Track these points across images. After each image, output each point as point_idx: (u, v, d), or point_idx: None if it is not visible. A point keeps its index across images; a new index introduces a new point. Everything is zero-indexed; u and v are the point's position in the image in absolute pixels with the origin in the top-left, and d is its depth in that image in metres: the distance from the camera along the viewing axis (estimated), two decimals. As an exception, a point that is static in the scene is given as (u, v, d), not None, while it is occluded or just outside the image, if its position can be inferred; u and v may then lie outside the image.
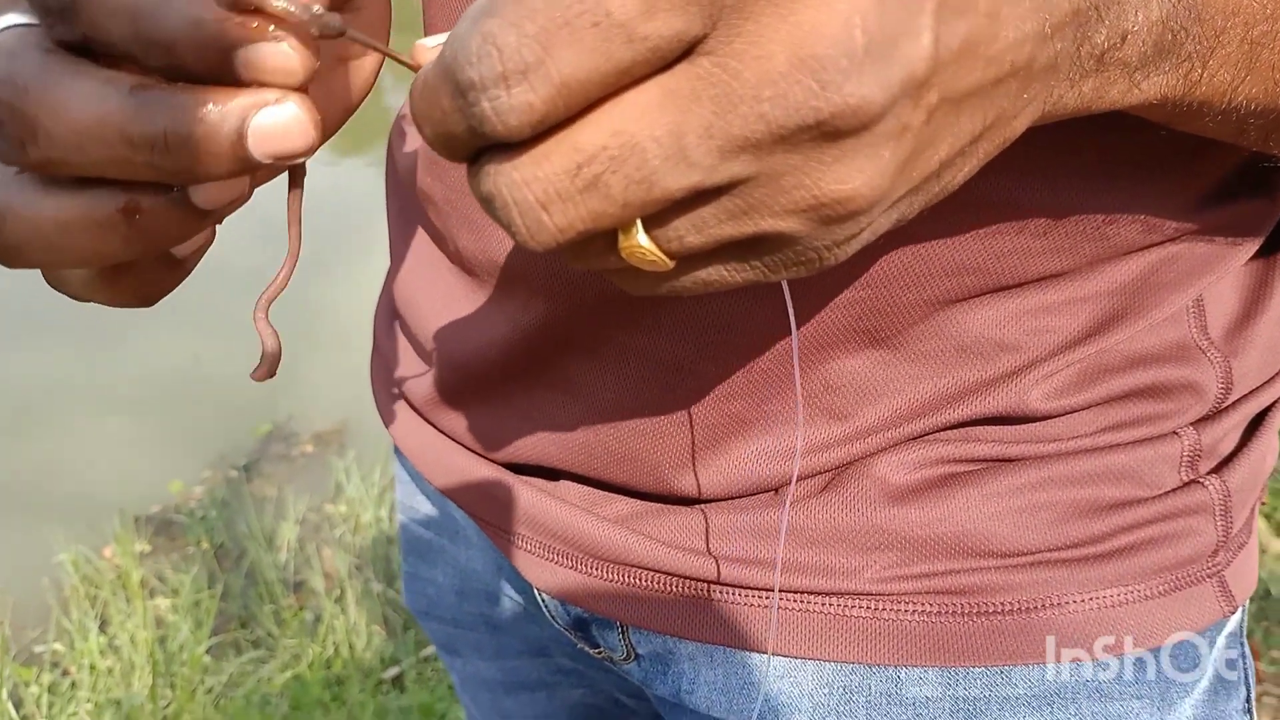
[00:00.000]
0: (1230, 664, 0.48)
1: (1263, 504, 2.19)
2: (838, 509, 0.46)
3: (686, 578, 0.49)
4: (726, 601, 0.48)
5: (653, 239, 0.24)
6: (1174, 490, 0.46)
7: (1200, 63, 0.30)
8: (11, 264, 0.29)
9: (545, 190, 0.22)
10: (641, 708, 0.70)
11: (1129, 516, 0.45)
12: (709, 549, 0.48)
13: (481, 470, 0.55)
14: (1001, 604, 0.44)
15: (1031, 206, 0.40)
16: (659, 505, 0.50)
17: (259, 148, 0.25)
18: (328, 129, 0.31)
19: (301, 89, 0.26)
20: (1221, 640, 0.48)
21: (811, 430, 0.46)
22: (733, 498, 0.48)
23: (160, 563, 2.46)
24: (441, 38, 0.24)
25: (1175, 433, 0.46)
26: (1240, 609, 0.49)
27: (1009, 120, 0.26)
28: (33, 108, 0.25)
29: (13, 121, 0.25)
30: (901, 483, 0.45)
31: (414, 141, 0.54)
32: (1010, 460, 0.45)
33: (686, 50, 0.21)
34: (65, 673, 2.11)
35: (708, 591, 0.48)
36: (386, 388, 0.64)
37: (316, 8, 0.25)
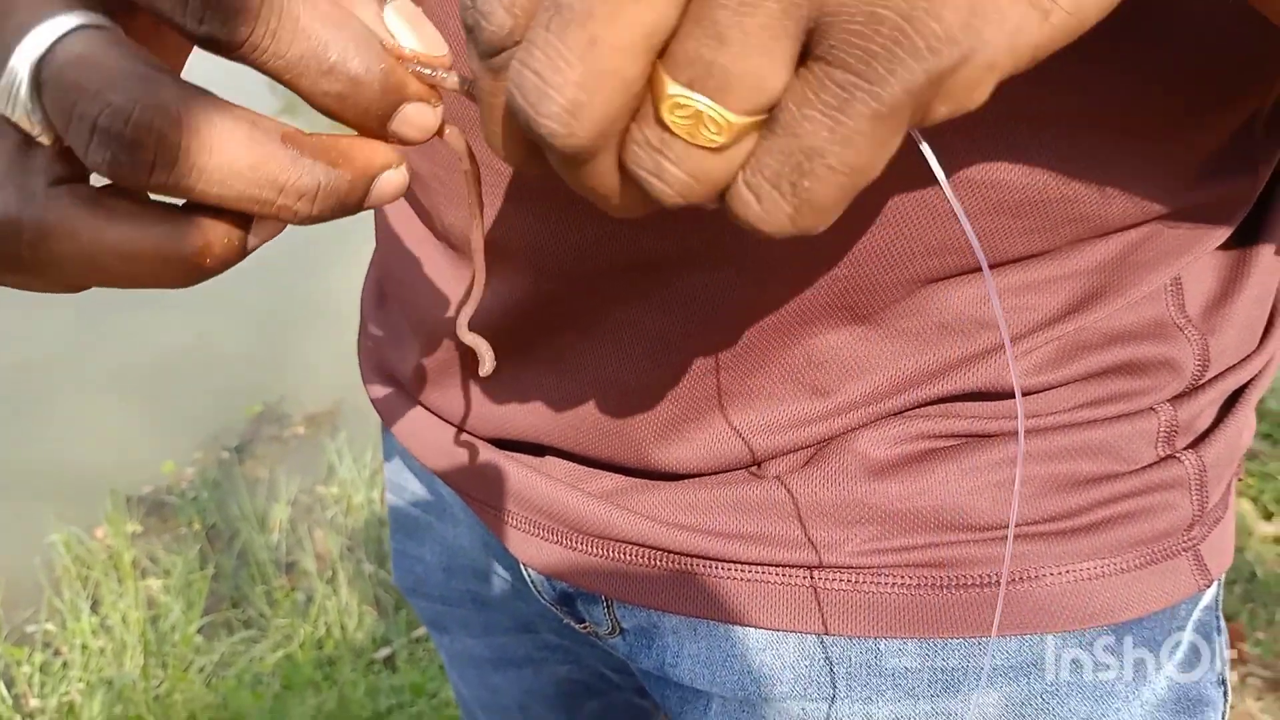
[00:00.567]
0: (1205, 637, 0.49)
1: (1248, 486, 2.21)
2: (819, 483, 0.46)
3: (670, 552, 0.49)
4: (709, 575, 0.48)
5: (688, 86, 0.21)
6: (1150, 465, 0.46)
7: None
8: (31, 282, 0.30)
9: (535, 61, 0.22)
10: (627, 682, 0.71)
11: (1105, 491, 0.45)
12: (693, 523, 0.48)
13: (468, 447, 0.56)
14: (979, 576, 0.45)
15: (1011, 187, 0.40)
16: (644, 480, 0.51)
17: (370, 202, 0.29)
18: None
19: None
20: (1197, 614, 0.48)
21: (793, 405, 0.46)
22: (717, 472, 0.49)
23: (152, 543, 2.46)
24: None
25: (1152, 409, 0.46)
26: (1216, 583, 0.49)
27: None
28: (185, 138, 0.26)
29: (157, 147, 0.26)
30: (882, 458, 0.46)
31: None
32: (989, 435, 0.45)
33: None
34: (57, 652, 2.11)
35: (691, 565, 0.49)
36: (374, 366, 0.65)
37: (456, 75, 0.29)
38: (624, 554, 0.50)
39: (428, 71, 0.29)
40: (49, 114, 0.27)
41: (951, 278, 0.43)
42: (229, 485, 2.70)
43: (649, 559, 0.50)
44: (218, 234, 0.28)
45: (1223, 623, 0.50)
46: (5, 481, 2.66)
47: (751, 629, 0.48)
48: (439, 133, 0.30)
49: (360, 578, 2.31)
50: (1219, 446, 0.47)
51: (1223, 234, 0.45)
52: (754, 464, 0.48)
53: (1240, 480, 0.52)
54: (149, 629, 2.11)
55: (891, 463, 0.46)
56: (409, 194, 0.55)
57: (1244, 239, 0.47)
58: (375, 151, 0.29)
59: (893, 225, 0.41)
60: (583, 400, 0.50)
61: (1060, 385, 0.45)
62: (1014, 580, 0.45)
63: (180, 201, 0.28)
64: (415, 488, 0.68)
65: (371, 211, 0.63)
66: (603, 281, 0.46)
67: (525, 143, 0.25)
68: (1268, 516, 2.19)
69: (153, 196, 0.28)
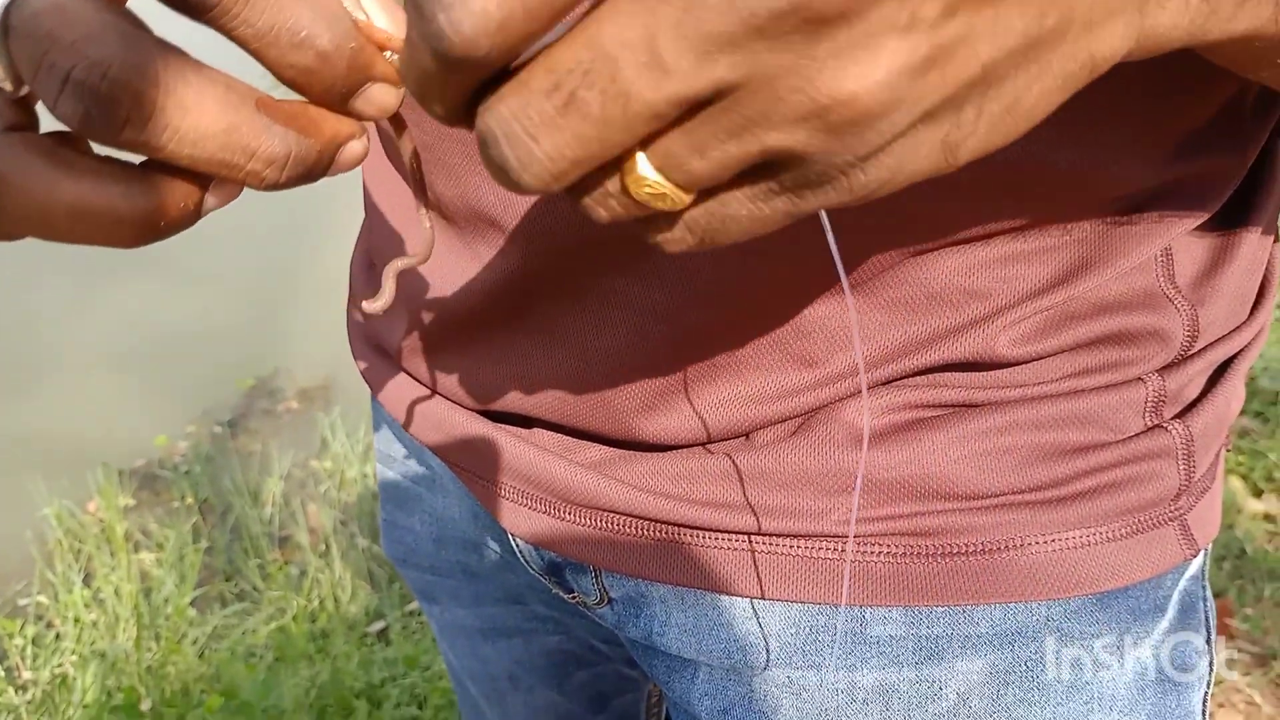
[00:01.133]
0: (1191, 606, 0.49)
1: (1239, 464, 2.22)
2: (806, 453, 0.46)
3: (658, 521, 0.49)
4: (696, 545, 0.48)
5: (658, 171, 0.23)
6: (1138, 435, 0.46)
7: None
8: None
9: (529, 116, 0.21)
10: (616, 653, 0.71)
11: (1093, 460, 0.45)
12: (680, 493, 0.48)
13: (457, 418, 0.56)
14: (965, 545, 0.45)
15: (1001, 158, 0.39)
16: (632, 451, 0.51)
17: (332, 171, 0.30)
18: None
19: None
20: (1183, 583, 0.48)
21: (783, 376, 0.46)
22: (705, 443, 0.49)
23: (144, 517, 2.47)
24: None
25: (1140, 379, 0.46)
26: (1202, 553, 0.49)
27: (1086, 25, 0.22)
28: (162, 97, 0.25)
29: (132, 105, 0.25)
30: (870, 427, 0.46)
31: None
32: (977, 405, 0.45)
33: None
34: (49, 625, 2.11)
35: (679, 535, 0.49)
36: (363, 337, 0.64)
37: None
38: (612, 523, 0.50)
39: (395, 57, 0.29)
40: (15, 60, 0.26)
41: (940, 248, 0.43)
42: (221, 459, 2.70)
43: (637, 528, 0.50)
44: (175, 196, 0.28)
45: (1209, 592, 0.50)
46: (-2, 456, 2.66)
47: (738, 598, 0.48)
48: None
49: (354, 551, 2.31)
50: (1207, 416, 0.47)
51: (1212, 207, 0.45)
52: (742, 434, 0.48)
53: (1229, 451, 0.52)
54: (142, 601, 2.11)
55: (879, 432, 0.46)
56: (399, 162, 0.54)
57: (1234, 212, 0.47)
58: (343, 122, 0.29)
59: (882, 198, 0.40)
60: (571, 371, 0.49)
61: (1049, 355, 0.45)
62: (1000, 548, 0.45)
63: (138, 159, 0.28)
64: (404, 458, 0.68)
65: (361, 183, 0.62)
66: (591, 253, 0.45)
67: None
68: (1257, 494, 2.20)
69: (109, 152, 0.28)
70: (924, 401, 0.46)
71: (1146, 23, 0.24)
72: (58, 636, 2.06)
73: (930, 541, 0.45)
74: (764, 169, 0.23)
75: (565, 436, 0.53)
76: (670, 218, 0.24)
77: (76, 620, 2.08)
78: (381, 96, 0.29)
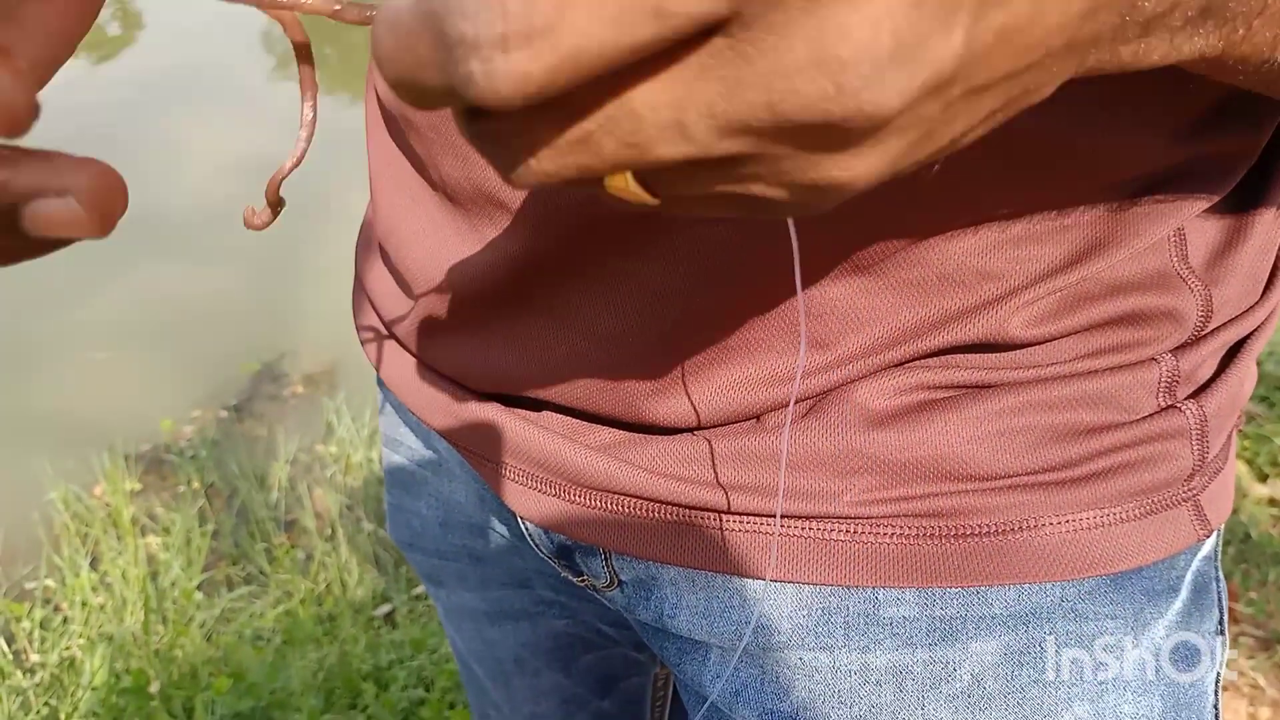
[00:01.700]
0: (1204, 586, 0.49)
1: (1244, 448, 2.22)
2: (818, 434, 0.46)
3: (669, 503, 0.49)
4: (708, 527, 0.48)
5: (640, 183, 0.22)
6: (1151, 415, 0.46)
7: (1245, 23, 0.28)
8: None
9: (533, 140, 0.21)
10: (623, 637, 0.71)
11: (1106, 441, 0.45)
12: (691, 475, 0.48)
13: (464, 400, 0.56)
14: (978, 526, 0.45)
15: (1015, 137, 0.39)
16: (642, 433, 0.51)
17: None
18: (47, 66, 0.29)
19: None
20: (1196, 564, 0.48)
21: (794, 358, 0.46)
22: (715, 425, 0.49)
23: (151, 501, 2.47)
24: None
25: (1154, 359, 0.46)
26: (1215, 533, 0.49)
27: (1035, 92, 0.24)
28: None
29: None
30: (882, 408, 0.46)
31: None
32: (989, 386, 0.45)
33: (703, 32, 0.19)
34: (57, 608, 2.12)
35: (690, 517, 0.49)
36: (368, 318, 0.64)
37: None
38: (622, 506, 0.50)
39: None
40: None
41: (955, 229, 0.43)
42: (227, 443, 2.70)
43: (647, 510, 0.50)
44: None
45: (1221, 573, 0.50)
46: (2, 438, 2.66)
47: (750, 579, 0.48)
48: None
49: (360, 536, 2.32)
50: (1220, 397, 0.47)
51: (1226, 187, 0.45)
52: (753, 417, 0.48)
53: (1240, 431, 0.52)
54: (149, 585, 2.12)
55: (891, 413, 0.46)
56: (404, 144, 0.54)
57: (1249, 192, 0.46)
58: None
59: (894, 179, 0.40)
60: (579, 353, 0.49)
61: (1062, 336, 0.45)
62: (1013, 529, 0.45)
63: None
64: (411, 442, 0.67)
65: (368, 165, 0.62)
66: (598, 234, 0.45)
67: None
68: (1262, 479, 2.20)
69: None
70: (936, 383, 0.45)
71: (1078, 74, 0.25)
72: (65, 620, 2.07)
73: (943, 523, 0.45)
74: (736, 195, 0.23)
75: (574, 419, 0.52)
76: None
77: (84, 604, 2.09)
78: None
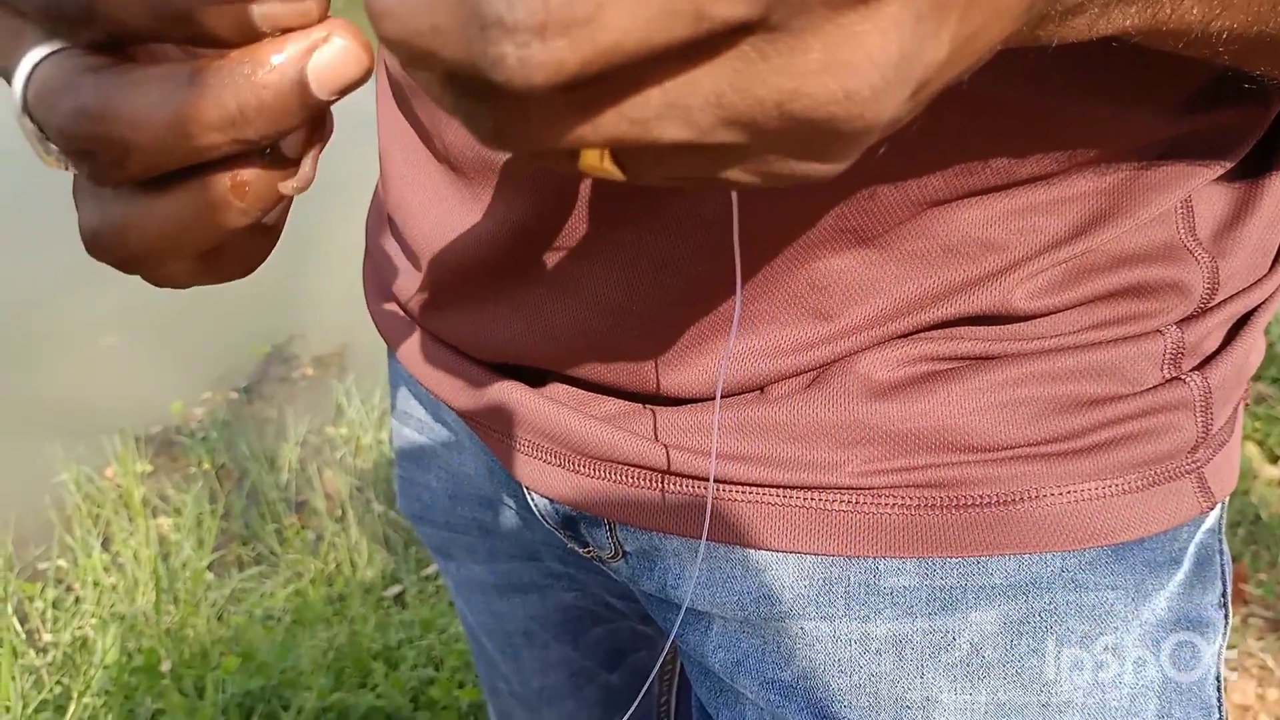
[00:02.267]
0: (1207, 559, 0.49)
1: (1255, 429, 2.21)
2: (820, 405, 0.46)
3: (673, 474, 0.49)
4: (711, 497, 0.49)
5: (614, 160, 0.22)
6: (1155, 387, 0.46)
7: (1172, 3, 0.29)
8: (141, 272, 0.30)
9: (532, 116, 0.20)
10: (631, 610, 0.72)
11: (1109, 412, 0.45)
12: (695, 446, 0.48)
13: (472, 372, 0.56)
14: (979, 496, 0.45)
15: (1021, 108, 0.39)
16: (646, 404, 0.51)
17: (324, 89, 0.25)
18: None
19: (326, 17, 0.26)
20: (1200, 536, 0.48)
21: (797, 329, 0.46)
22: (720, 396, 0.49)
23: (162, 482, 2.49)
24: None
25: (1159, 331, 0.46)
26: (1219, 506, 0.49)
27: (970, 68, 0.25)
28: (114, 129, 0.25)
29: (102, 147, 0.26)
30: (884, 379, 0.46)
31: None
32: (993, 358, 0.45)
33: (729, 31, 0.19)
34: (69, 589, 2.14)
35: (693, 487, 0.49)
36: (378, 292, 0.64)
37: None
38: (626, 476, 0.50)
39: None
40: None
41: (958, 199, 0.42)
42: (238, 425, 2.71)
43: (651, 481, 0.50)
44: (245, 173, 0.27)
45: (1225, 546, 0.50)
46: (14, 420, 2.68)
47: (752, 550, 0.49)
48: None
49: (370, 517, 2.33)
50: (1225, 369, 0.47)
51: (1233, 158, 0.44)
52: (757, 388, 0.48)
53: (1247, 405, 0.51)
54: (160, 565, 2.13)
55: (894, 384, 0.46)
56: (410, 115, 0.54)
57: (1257, 163, 0.46)
58: (283, 41, 0.26)
59: (900, 146, 0.40)
60: (584, 324, 0.49)
61: (1066, 308, 0.45)
62: (1015, 500, 0.45)
63: None
64: (421, 414, 0.68)
65: (378, 137, 0.62)
66: (605, 203, 0.45)
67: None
68: (1273, 460, 2.19)
69: None
70: (940, 354, 0.45)
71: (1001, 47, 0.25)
72: (77, 600, 2.08)
73: (945, 493, 0.45)
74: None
75: (580, 390, 0.53)
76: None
77: (96, 584, 2.10)
78: (279, 11, 0.25)
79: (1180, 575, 0.47)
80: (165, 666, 1.81)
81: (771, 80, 0.20)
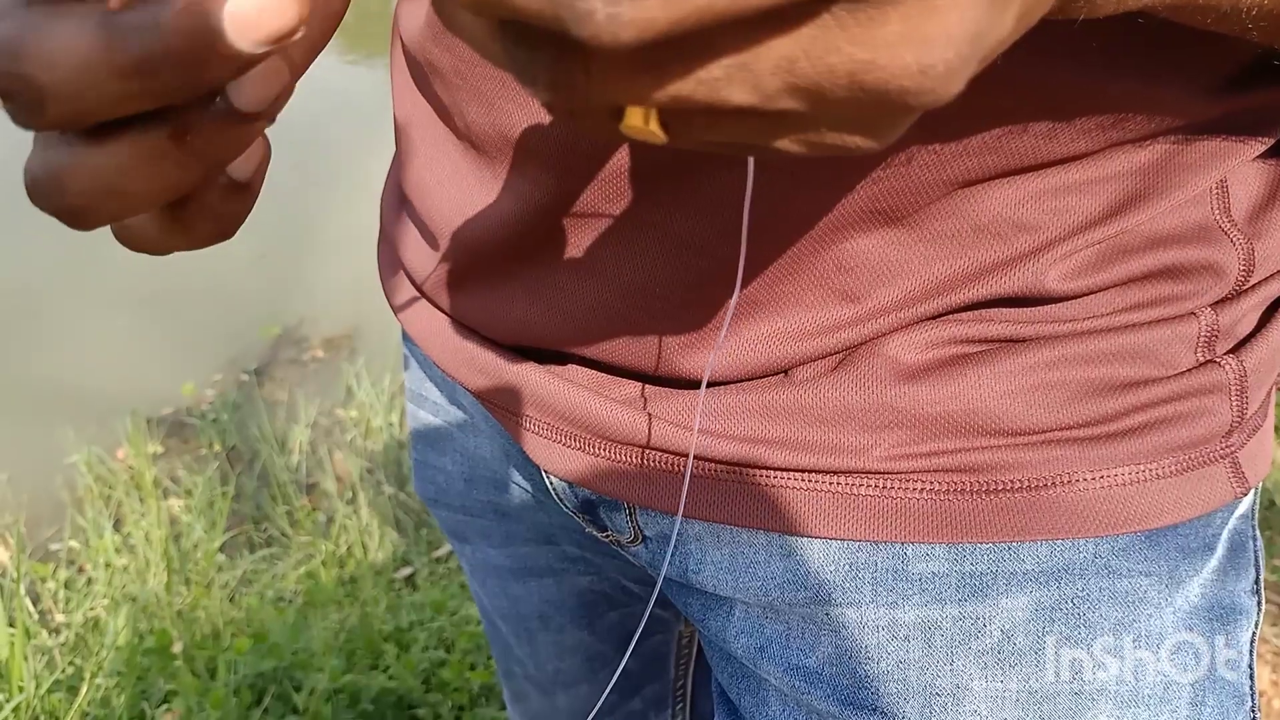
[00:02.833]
0: (1240, 545, 0.48)
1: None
2: (848, 388, 0.45)
3: (695, 458, 0.48)
4: (733, 481, 0.48)
5: (661, 123, 0.22)
6: (1189, 370, 0.45)
7: None
8: (83, 225, 0.28)
9: (598, 70, 0.20)
10: (647, 594, 0.71)
11: (1143, 396, 0.44)
12: (718, 429, 0.48)
13: (489, 354, 0.55)
14: (1010, 481, 0.44)
15: (1056, 88, 0.38)
16: (668, 387, 0.50)
17: (243, 39, 0.23)
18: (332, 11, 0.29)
19: None
20: (1233, 522, 0.47)
21: (824, 311, 0.45)
22: (742, 379, 0.48)
23: (173, 464, 2.49)
24: None
25: (1193, 313, 0.45)
26: (1252, 492, 0.48)
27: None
28: (29, 67, 0.23)
29: (18, 88, 0.24)
30: (912, 362, 0.45)
31: (421, 8, 0.52)
32: (1024, 340, 0.44)
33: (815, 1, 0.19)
34: (81, 570, 2.15)
35: (715, 471, 0.48)
36: (394, 273, 0.64)
37: None
38: (648, 460, 0.50)
39: None
40: None
41: (990, 179, 0.42)
42: (248, 407, 2.72)
43: (672, 465, 0.49)
44: (189, 116, 0.26)
45: (1258, 532, 0.49)
46: (26, 402, 2.69)
47: (776, 535, 0.48)
48: None
49: (380, 499, 2.33)
50: (1261, 352, 0.46)
51: (1270, 138, 0.44)
52: (781, 371, 0.47)
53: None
54: (171, 547, 2.13)
55: (922, 367, 0.45)
56: (429, 92, 0.53)
57: None
58: None
59: (932, 124, 0.39)
60: (605, 304, 0.49)
61: (1100, 290, 0.44)
62: (1047, 485, 0.44)
63: None
64: (436, 397, 0.67)
65: (393, 116, 0.61)
66: (626, 182, 0.44)
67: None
68: (1288, 444, 2.18)
69: None
70: (970, 336, 0.45)
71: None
72: (89, 581, 2.09)
73: (975, 478, 0.44)
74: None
75: (600, 373, 0.52)
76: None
77: (107, 565, 2.11)
78: None
79: (1214, 562, 0.47)
80: (177, 647, 1.81)
81: (847, 50, 0.19)
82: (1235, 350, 0.46)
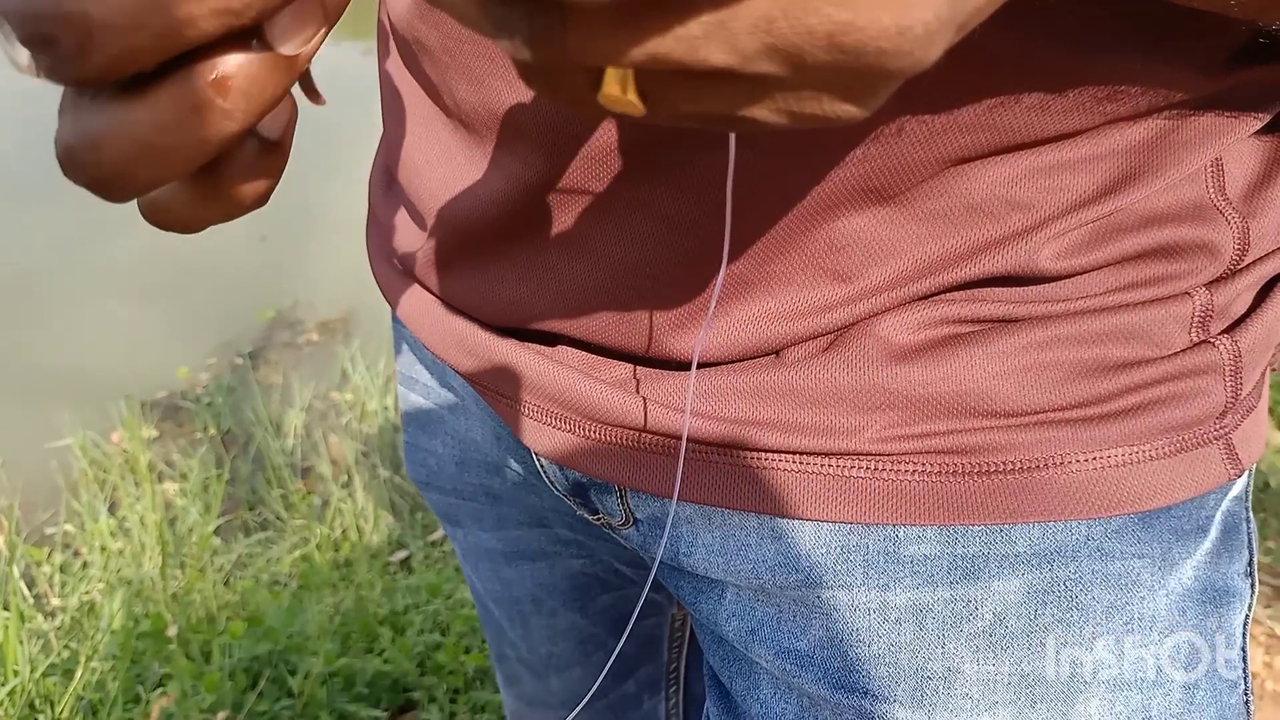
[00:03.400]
0: (1234, 527, 0.48)
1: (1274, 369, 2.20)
2: (839, 369, 0.45)
3: (686, 440, 0.48)
4: (725, 463, 0.48)
5: (640, 93, 0.22)
6: (1184, 350, 0.45)
7: None
8: (118, 193, 0.27)
9: (579, 24, 0.20)
10: (640, 577, 0.71)
11: (1136, 376, 0.44)
12: (709, 411, 0.47)
13: (479, 336, 0.55)
14: (1003, 463, 0.44)
15: (1048, 64, 0.38)
16: (659, 368, 0.50)
17: None
18: None
19: None
20: (1227, 504, 0.47)
21: (815, 291, 0.45)
22: (733, 360, 0.48)
23: (168, 447, 2.49)
24: None
25: (1187, 293, 0.44)
26: (1246, 474, 0.48)
27: None
28: (74, 4, 0.23)
29: (63, 29, 0.23)
30: (905, 343, 0.44)
31: (406, -15, 0.52)
32: (1017, 320, 0.44)
33: None
34: (76, 553, 2.15)
35: (706, 453, 0.48)
36: (383, 255, 0.63)
37: None
38: (639, 442, 0.49)
39: None
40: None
41: (983, 156, 0.41)
42: (243, 391, 2.71)
43: (664, 447, 0.49)
44: (229, 62, 0.25)
45: (1251, 515, 0.49)
46: (20, 386, 2.68)
47: (767, 517, 0.48)
48: None
49: (376, 483, 2.33)
50: (1255, 332, 0.46)
51: (1265, 116, 0.43)
52: (772, 352, 0.47)
53: (1275, 370, 0.50)
54: (166, 530, 2.13)
55: (914, 348, 0.44)
56: (417, 70, 0.53)
57: None
58: None
59: (925, 101, 0.39)
60: (595, 284, 0.48)
61: (1093, 269, 0.44)
62: (1040, 467, 0.44)
63: None
64: (427, 380, 0.67)
65: (380, 97, 0.61)
66: (615, 160, 0.44)
67: None
68: (1282, 427, 2.18)
69: None
70: (962, 317, 0.44)
71: None
72: (85, 565, 2.09)
73: (967, 460, 0.44)
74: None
75: (590, 354, 0.51)
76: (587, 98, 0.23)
77: (103, 549, 2.11)
78: None
79: (1207, 544, 0.46)
80: (172, 631, 1.81)
81: (825, 10, 0.19)
82: (1230, 330, 0.46)
